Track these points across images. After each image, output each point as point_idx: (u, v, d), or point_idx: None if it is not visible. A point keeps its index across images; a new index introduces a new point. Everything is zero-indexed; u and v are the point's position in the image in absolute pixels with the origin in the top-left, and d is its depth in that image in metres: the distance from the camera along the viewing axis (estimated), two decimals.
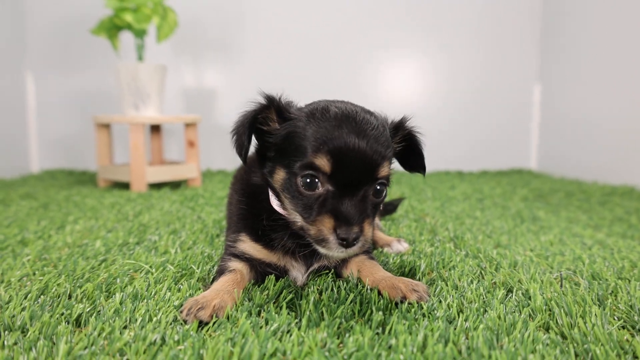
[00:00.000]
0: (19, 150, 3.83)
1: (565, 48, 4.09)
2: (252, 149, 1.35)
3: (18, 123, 3.82)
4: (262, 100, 1.17)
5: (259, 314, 1.10)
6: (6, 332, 0.97)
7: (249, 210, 1.30)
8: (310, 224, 1.09)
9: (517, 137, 4.54)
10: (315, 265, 1.31)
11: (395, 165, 1.29)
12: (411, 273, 1.41)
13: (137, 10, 2.94)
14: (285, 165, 1.13)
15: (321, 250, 1.11)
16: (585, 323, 1.03)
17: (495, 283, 1.32)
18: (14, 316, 1.04)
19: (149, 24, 2.99)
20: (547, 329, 1.05)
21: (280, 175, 1.14)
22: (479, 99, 4.45)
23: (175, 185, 3.26)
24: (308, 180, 1.08)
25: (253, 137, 1.19)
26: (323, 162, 1.05)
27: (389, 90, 4.34)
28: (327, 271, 1.35)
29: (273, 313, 1.07)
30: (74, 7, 3.91)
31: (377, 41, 4.29)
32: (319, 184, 1.08)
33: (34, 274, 1.34)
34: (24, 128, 3.91)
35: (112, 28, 3.04)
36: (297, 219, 1.13)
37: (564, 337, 1.01)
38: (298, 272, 1.29)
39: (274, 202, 1.22)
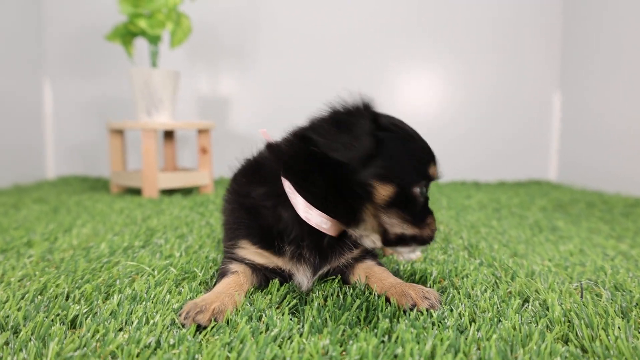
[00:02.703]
0: (36, 156, 3.86)
1: (587, 54, 3.99)
2: (254, 151, 1.32)
3: (35, 130, 3.85)
4: (359, 104, 1.13)
5: (259, 319, 1.05)
6: None
7: (257, 223, 1.22)
8: (421, 228, 1.13)
9: (536, 147, 4.43)
10: (325, 269, 1.25)
11: None
12: (422, 281, 1.35)
13: (151, 16, 2.94)
14: (393, 179, 1.08)
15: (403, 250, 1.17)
16: (607, 335, 0.96)
17: (510, 292, 1.25)
18: (8, 316, 1.01)
19: (163, 30, 2.99)
20: (566, 342, 0.98)
21: (387, 191, 1.07)
22: (496, 108, 4.36)
23: (187, 192, 3.24)
24: (424, 189, 1.14)
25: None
26: (435, 172, 1.17)
27: (405, 100, 4.28)
28: (334, 277, 1.30)
29: (274, 318, 1.02)
30: (91, 15, 3.96)
31: (393, 51, 4.24)
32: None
33: (35, 274, 1.31)
34: (41, 135, 3.94)
35: (126, 34, 3.05)
36: (399, 229, 1.11)
37: (584, 350, 0.94)
38: (304, 277, 1.24)
39: (317, 217, 1.14)
